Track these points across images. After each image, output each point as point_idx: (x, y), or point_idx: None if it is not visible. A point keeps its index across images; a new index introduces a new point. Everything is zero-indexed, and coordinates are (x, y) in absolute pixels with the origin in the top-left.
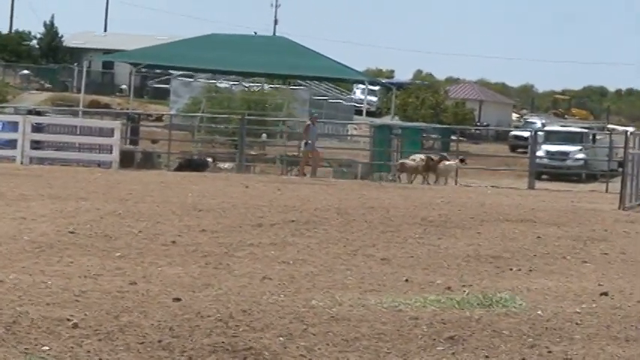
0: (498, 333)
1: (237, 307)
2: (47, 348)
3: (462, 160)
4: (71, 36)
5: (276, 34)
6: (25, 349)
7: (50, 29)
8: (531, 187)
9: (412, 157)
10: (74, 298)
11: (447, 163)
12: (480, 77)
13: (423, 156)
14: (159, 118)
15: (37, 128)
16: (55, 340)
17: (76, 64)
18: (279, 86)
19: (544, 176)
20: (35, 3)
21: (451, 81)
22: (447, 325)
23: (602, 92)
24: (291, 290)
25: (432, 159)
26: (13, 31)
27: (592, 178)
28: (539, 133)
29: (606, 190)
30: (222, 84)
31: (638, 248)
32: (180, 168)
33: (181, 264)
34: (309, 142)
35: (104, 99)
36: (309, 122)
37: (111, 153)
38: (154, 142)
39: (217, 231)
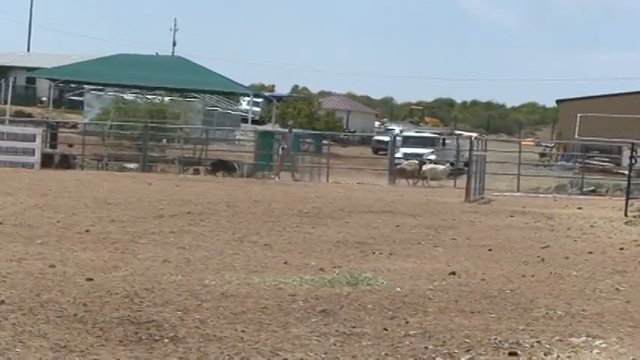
0: (363, 307)
1: (141, 286)
2: None
3: (451, 164)
4: None
5: (175, 54)
6: None
7: None
8: (391, 183)
9: (408, 162)
10: (1, 279)
11: (432, 166)
12: (347, 90)
13: (417, 161)
14: (74, 126)
15: None
16: None
17: (2, 79)
18: (176, 98)
19: None
20: None
21: (323, 94)
22: (319, 300)
23: (450, 103)
24: (187, 271)
25: (423, 163)
26: None
27: None
28: (398, 138)
29: (454, 186)
30: (129, 96)
31: (481, 234)
32: (214, 168)
33: (94, 249)
34: (285, 147)
35: (27, 109)
36: (286, 130)
37: (33, 155)
38: (70, 145)
39: (124, 221)
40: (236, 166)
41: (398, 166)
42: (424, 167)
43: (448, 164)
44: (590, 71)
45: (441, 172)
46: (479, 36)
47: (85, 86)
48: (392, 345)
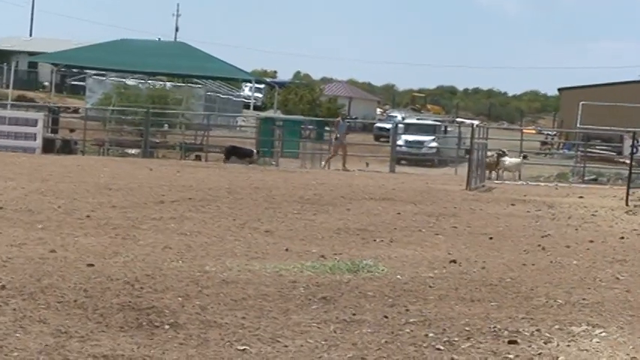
0: (364, 294)
1: (141, 272)
2: None
3: (524, 157)
4: (1, 40)
5: (177, 39)
6: None
7: None
8: (392, 171)
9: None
10: (2, 264)
11: (513, 159)
12: (349, 77)
13: (494, 153)
14: (76, 111)
15: None
16: None
17: (5, 64)
18: (179, 84)
19: (403, 162)
20: None
21: (325, 80)
22: (320, 287)
23: (452, 91)
24: (188, 258)
25: (501, 155)
26: None
27: (443, 163)
28: (400, 125)
29: (455, 174)
30: (131, 82)
31: (482, 222)
32: (228, 155)
33: (94, 235)
34: (338, 136)
35: (29, 94)
36: (338, 119)
37: (35, 140)
38: (72, 131)
39: (125, 207)
40: (254, 152)
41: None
42: (502, 159)
43: (522, 157)
44: (592, 60)
45: (518, 165)
46: (482, 24)
47: (87, 71)
48: (392, 332)
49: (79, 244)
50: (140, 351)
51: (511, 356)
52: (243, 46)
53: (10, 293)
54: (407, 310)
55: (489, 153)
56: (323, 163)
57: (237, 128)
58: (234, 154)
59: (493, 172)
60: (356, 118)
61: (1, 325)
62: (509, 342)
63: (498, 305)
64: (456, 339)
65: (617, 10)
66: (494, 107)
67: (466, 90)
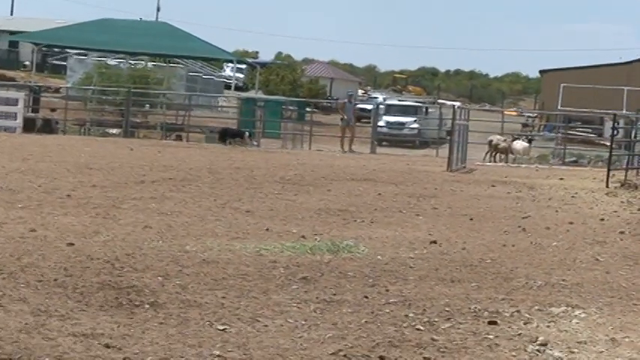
0: (344, 274)
1: (122, 251)
2: None
3: (529, 141)
4: None
5: (159, 19)
6: None
7: None
8: (373, 152)
9: (499, 138)
10: None
11: (524, 143)
12: (331, 58)
13: (508, 137)
14: (57, 90)
15: None
16: None
17: None
18: (160, 64)
19: (384, 143)
20: None
21: (307, 61)
22: (301, 267)
23: (434, 72)
24: (168, 237)
25: (514, 139)
26: None
27: (424, 144)
28: (381, 106)
29: (436, 155)
30: (112, 62)
31: (463, 204)
32: (222, 137)
33: (75, 214)
34: (345, 117)
35: (10, 73)
36: (345, 100)
37: (15, 120)
38: (53, 110)
39: (106, 186)
40: (245, 133)
41: (492, 142)
42: (514, 143)
43: (528, 140)
44: (574, 42)
45: (528, 149)
46: (464, 5)
47: (69, 51)
48: (372, 312)
49: (60, 223)
50: (120, 330)
51: (491, 337)
52: (224, 26)
53: None
54: (387, 290)
55: (502, 138)
56: (340, 148)
57: (219, 109)
58: (229, 135)
59: (504, 155)
60: (337, 99)
61: None
62: (489, 322)
63: (478, 286)
64: (436, 319)
65: None
66: (476, 89)
67: (448, 71)
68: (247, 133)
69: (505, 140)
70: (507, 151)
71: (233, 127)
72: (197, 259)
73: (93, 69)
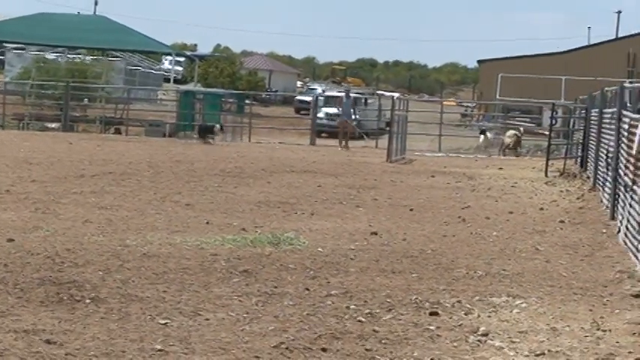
0: (285, 267)
1: (62, 246)
2: None
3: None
4: None
5: (97, 13)
6: None
7: None
8: (313, 143)
9: (507, 133)
10: None
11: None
12: (270, 50)
13: (515, 132)
14: None
15: None
16: None
17: None
18: (98, 58)
19: (323, 134)
20: None
21: (245, 53)
22: (242, 260)
23: (372, 64)
24: (108, 231)
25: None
26: None
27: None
28: (320, 97)
29: (376, 146)
30: (50, 56)
31: (403, 195)
32: (201, 133)
33: (14, 209)
34: (340, 112)
35: None
36: (342, 95)
37: None
38: None
39: (45, 181)
40: (216, 127)
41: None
42: (505, 136)
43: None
44: (511, 32)
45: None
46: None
47: (6, 45)
48: (314, 305)
49: None
50: (61, 325)
51: (432, 327)
52: (163, 19)
53: None
54: (328, 282)
55: (509, 133)
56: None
57: (158, 102)
58: (204, 130)
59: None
60: (276, 91)
61: None
62: (431, 313)
63: (419, 277)
64: (378, 311)
65: None
66: (415, 79)
67: (386, 62)
68: (218, 126)
69: (511, 136)
70: (515, 146)
71: (207, 123)
72: (138, 253)
73: (31, 63)
